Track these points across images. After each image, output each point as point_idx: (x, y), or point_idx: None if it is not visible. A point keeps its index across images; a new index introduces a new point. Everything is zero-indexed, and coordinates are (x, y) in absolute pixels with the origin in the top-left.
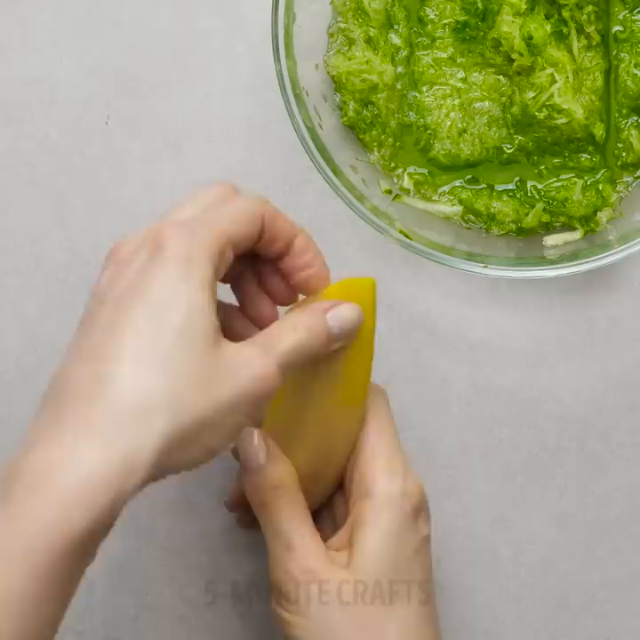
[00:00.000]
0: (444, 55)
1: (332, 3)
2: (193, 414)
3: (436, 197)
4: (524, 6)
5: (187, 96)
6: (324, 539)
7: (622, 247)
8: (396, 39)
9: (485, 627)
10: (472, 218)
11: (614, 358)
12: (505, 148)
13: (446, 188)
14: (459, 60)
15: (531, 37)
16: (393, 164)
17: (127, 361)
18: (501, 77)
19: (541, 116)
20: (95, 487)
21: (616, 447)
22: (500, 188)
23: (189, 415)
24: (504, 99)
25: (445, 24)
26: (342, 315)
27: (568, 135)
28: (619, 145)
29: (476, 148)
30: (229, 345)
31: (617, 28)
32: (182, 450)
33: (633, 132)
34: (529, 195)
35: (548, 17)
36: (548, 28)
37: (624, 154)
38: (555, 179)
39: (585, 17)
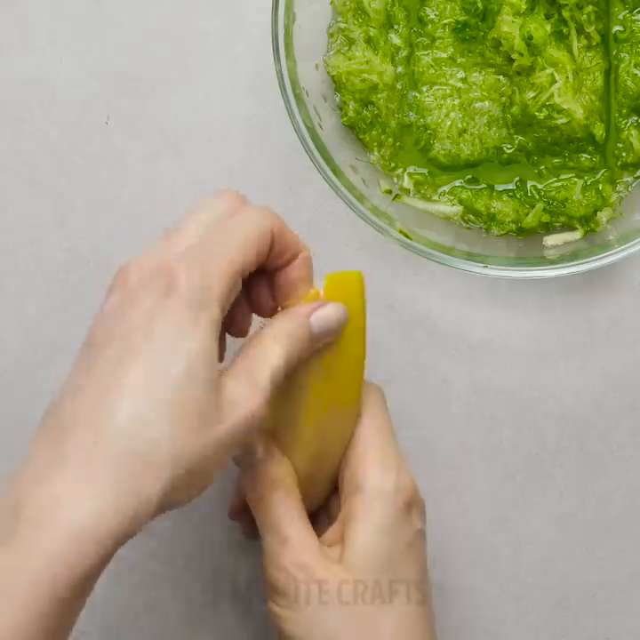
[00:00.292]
0: (444, 55)
1: (331, 3)
2: (194, 457)
3: (436, 197)
4: (524, 6)
5: (187, 96)
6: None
7: (622, 247)
8: (396, 39)
9: (485, 627)
10: (472, 218)
11: (614, 358)
12: (505, 148)
13: (446, 188)
14: (459, 60)
15: (531, 37)
16: (393, 164)
17: (132, 401)
18: (501, 77)
19: (541, 116)
20: (100, 525)
21: (616, 447)
22: (500, 187)
23: (190, 458)
24: (504, 99)
25: (445, 24)
26: (324, 314)
27: (568, 135)
28: (619, 145)
29: (475, 148)
30: (224, 385)
31: (617, 27)
32: (183, 489)
33: (633, 131)
34: (529, 195)
35: (548, 17)
36: (548, 28)
37: (624, 154)
38: (555, 179)
39: (585, 17)
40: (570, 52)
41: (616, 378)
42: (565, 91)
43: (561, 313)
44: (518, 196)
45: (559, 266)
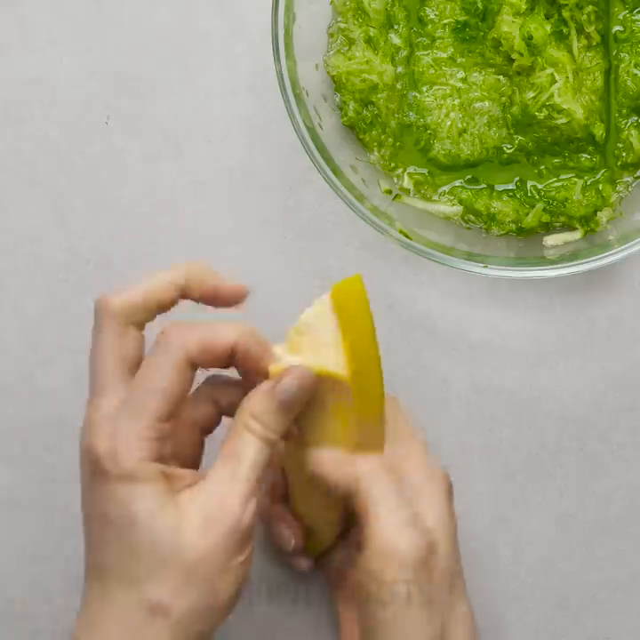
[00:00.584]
0: (444, 55)
1: (332, 3)
2: (202, 612)
3: (436, 197)
4: (524, 6)
5: (187, 96)
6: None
7: (622, 247)
8: (396, 39)
9: (485, 627)
10: (472, 218)
11: (614, 358)
12: (505, 148)
13: (446, 188)
14: (459, 60)
15: (531, 37)
16: (393, 164)
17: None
18: (501, 77)
19: (541, 116)
20: None
21: (616, 447)
22: (500, 187)
23: (199, 615)
24: (504, 99)
25: (445, 24)
26: (285, 387)
27: (568, 135)
28: (619, 145)
29: (475, 148)
30: (196, 505)
31: (617, 27)
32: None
33: (633, 131)
34: (529, 195)
35: (548, 17)
36: (548, 27)
37: (624, 154)
38: (555, 179)
39: (585, 17)
40: (570, 52)
41: (616, 378)
42: (565, 91)
43: (561, 313)
44: (518, 195)
45: (559, 266)
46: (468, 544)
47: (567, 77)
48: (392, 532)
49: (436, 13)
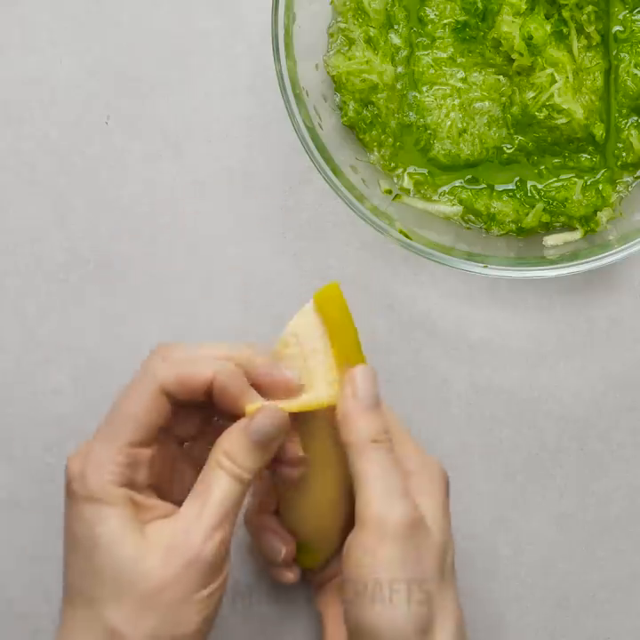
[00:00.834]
0: (444, 55)
1: (332, 3)
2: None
3: (436, 197)
4: (524, 6)
5: (187, 96)
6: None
7: (622, 247)
8: (396, 39)
9: (485, 627)
10: (472, 218)
11: (614, 358)
12: (505, 148)
13: (446, 188)
14: (459, 60)
15: (531, 37)
16: (393, 164)
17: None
18: (501, 77)
19: (541, 116)
20: None
21: (616, 447)
22: (500, 187)
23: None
24: (504, 99)
25: (445, 24)
26: (257, 426)
27: (568, 135)
28: (619, 145)
29: (475, 147)
30: (159, 533)
31: (617, 27)
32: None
33: (633, 131)
34: (529, 195)
35: (548, 17)
36: (548, 27)
37: (624, 154)
38: (555, 179)
39: (585, 17)
40: (570, 51)
41: (616, 378)
42: (565, 91)
43: (561, 313)
44: (518, 195)
45: (559, 266)
46: (468, 544)
47: (567, 77)
48: (382, 502)
49: (436, 13)
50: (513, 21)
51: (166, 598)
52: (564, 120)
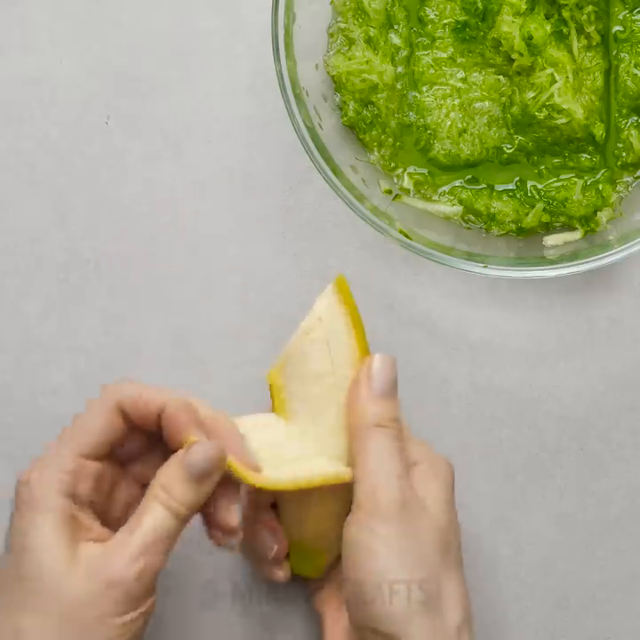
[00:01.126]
0: (444, 55)
1: (332, 3)
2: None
3: (436, 197)
4: (524, 6)
5: (187, 96)
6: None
7: (622, 247)
8: (396, 39)
9: (485, 627)
10: (472, 218)
11: (614, 358)
12: (505, 148)
13: (446, 188)
14: (459, 60)
15: (531, 37)
16: (393, 164)
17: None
18: (501, 77)
19: (541, 116)
20: None
21: (616, 447)
22: (500, 187)
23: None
24: (504, 99)
25: (445, 24)
26: (192, 459)
27: (568, 135)
28: (619, 145)
29: (475, 148)
30: (89, 555)
31: (617, 27)
32: None
33: (633, 131)
34: (529, 195)
35: (548, 17)
36: (548, 27)
37: (624, 154)
38: (555, 179)
39: (585, 17)
40: (570, 51)
41: (616, 378)
42: (565, 91)
43: (561, 313)
44: (518, 195)
45: (559, 266)
46: (468, 544)
47: (567, 77)
48: (376, 481)
49: (436, 13)
50: (513, 21)
51: (83, 617)
52: (563, 120)
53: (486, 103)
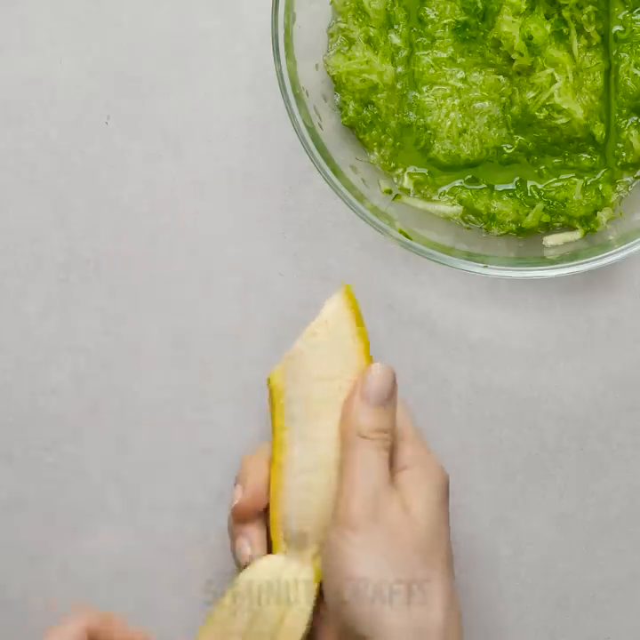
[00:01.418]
0: (444, 55)
1: (332, 3)
2: None
3: (436, 197)
4: (524, 6)
5: (187, 96)
6: None
7: (622, 247)
8: (396, 39)
9: (485, 627)
10: (472, 218)
11: (614, 358)
12: (505, 148)
13: (446, 188)
14: (459, 60)
15: (531, 37)
16: (393, 164)
17: None
18: (501, 77)
19: (541, 116)
20: None
21: (616, 447)
22: (500, 187)
23: None
24: (504, 99)
25: (445, 24)
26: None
27: (568, 135)
28: (619, 145)
29: (475, 148)
30: None
31: (617, 27)
32: None
33: (633, 131)
34: (529, 195)
35: (548, 17)
36: (548, 27)
37: (624, 154)
38: (555, 179)
39: (585, 17)
40: (570, 51)
41: (616, 378)
42: (565, 91)
43: (561, 313)
44: (518, 195)
45: (559, 266)
46: (468, 544)
47: (567, 77)
48: (349, 494)
49: (436, 13)
50: (513, 21)
51: None
52: (563, 120)
53: (486, 103)
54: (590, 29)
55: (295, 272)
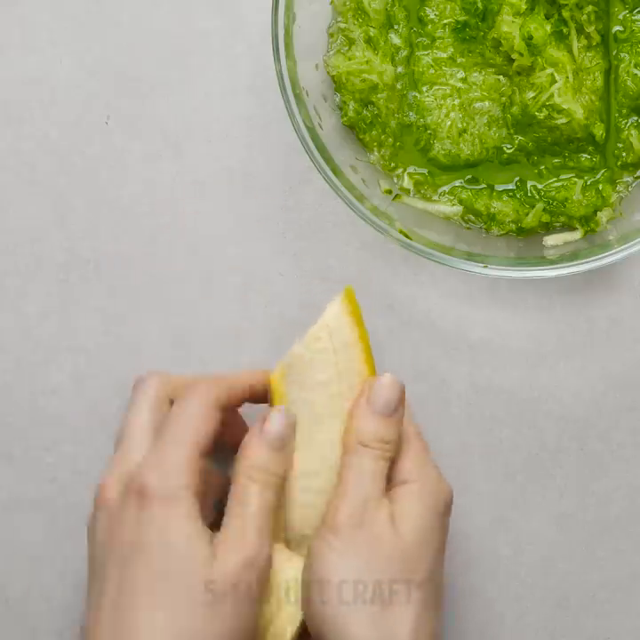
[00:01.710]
0: (444, 55)
1: (332, 3)
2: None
3: (436, 197)
4: (524, 6)
5: (187, 96)
6: None
7: (622, 247)
8: (396, 39)
9: (485, 627)
10: (472, 218)
11: (614, 358)
12: (505, 148)
13: (446, 188)
14: (459, 60)
15: (531, 37)
16: (393, 164)
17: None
18: (501, 77)
19: (541, 116)
20: None
21: (616, 447)
22: (500, 187)
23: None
24: (504, 99)
25: (445, 24)
26: (271, 428)
27: (568, 135)
28: (619, 145)
29: (475, 148)
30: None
31: (617, 27)
32: None
33: (633, 131)
34: (529, 195)
35: (548, 17)
36: (548, 28)
37: (624, 154)
38: (555, 179)
39: (585, 17)
40: (570, 52)
41: (616, 378)
42: (565, 91)
43: (561, 313)
44: (518, 195)
45: (559, 266)
46: (469, 544)
47: (567, 77)
48: (339, 502)
49: (436, 13)
50: (513, 21)
51: (228, 601)
52: (563, 120)
53: (486, 103)
54: (590, 29)
55: (295, 272)
